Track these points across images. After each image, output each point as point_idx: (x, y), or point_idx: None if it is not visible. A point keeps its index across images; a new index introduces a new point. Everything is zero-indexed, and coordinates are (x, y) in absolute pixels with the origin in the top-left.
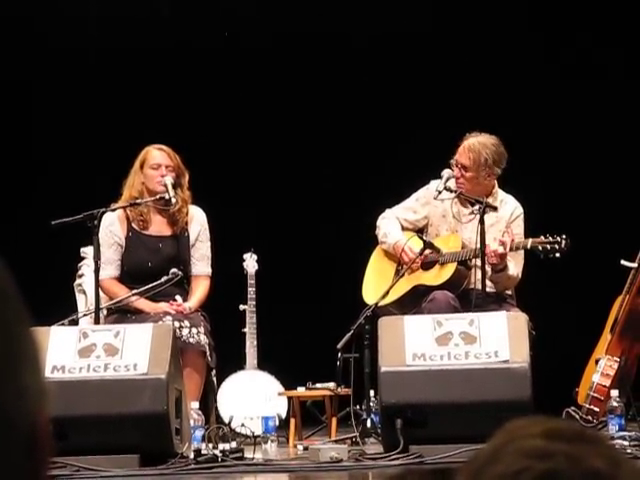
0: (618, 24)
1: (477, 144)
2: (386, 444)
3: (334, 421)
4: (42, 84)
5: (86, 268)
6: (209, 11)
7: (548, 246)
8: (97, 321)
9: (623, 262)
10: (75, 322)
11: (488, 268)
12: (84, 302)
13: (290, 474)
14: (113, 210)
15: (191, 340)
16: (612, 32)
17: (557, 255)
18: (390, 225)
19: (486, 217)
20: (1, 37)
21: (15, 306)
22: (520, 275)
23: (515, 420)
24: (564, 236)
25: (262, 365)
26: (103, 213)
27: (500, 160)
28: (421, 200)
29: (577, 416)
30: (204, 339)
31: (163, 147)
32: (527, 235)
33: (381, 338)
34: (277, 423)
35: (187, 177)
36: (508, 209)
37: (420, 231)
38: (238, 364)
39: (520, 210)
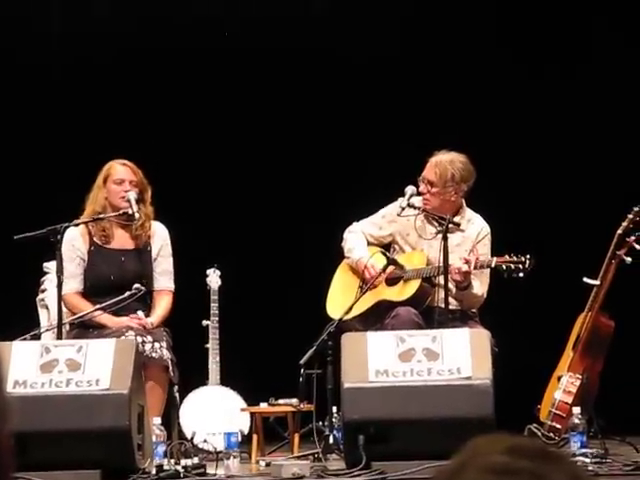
0: (581, 45)
1: (444, 160)
2: (348, 460)
3: (296, 437)
4: (3, 96)
5: (49, 283)
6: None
7: (512, 265)
8: (60, 336)
9: (585, 279)
10: (37, 337)
11: (452, 285)
12: (47, 317)
13: None
14: (76, 225)
15: (154, 355)
16: (576, 53)
17: (520, 275)
18: (355, 241)
19: (452, 237)
20: None
21: None
22: (485, 295)
23: (479, 437)
24: (528, 256)
25: (225, 381)
26: (66, 228)
27: (467, 177)
28: (387, 217)
29: (539, 433)
30: (167, 354)
31: (126, 162)
32: (492, 253)
33: (344, 354)
34: (239, 439)
35: (150, 192)
36: (474, 229)
37: (386, 247)
38: (201, 380)
39: (487, 230)
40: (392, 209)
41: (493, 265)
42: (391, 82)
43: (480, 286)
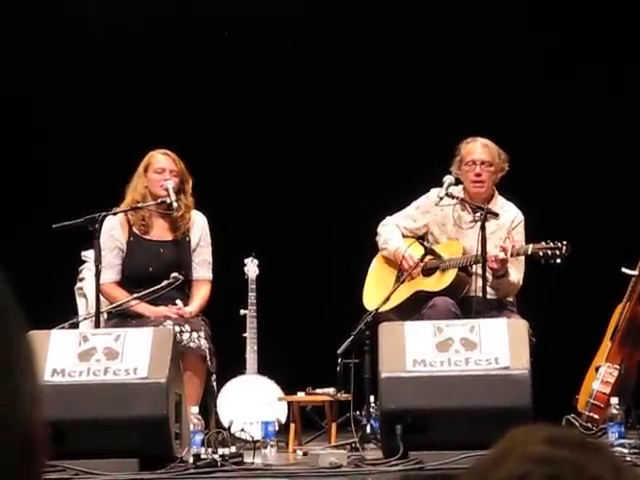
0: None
1: (487, 141)
2: (386, 450)
3: (334, 426)
4: (43, 87)
5: (87, 272)
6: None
7: (549, 252)
8: (97, 325)
9: (624, 270)
10: (75, 325)
11: (489, 274)
12: (84, 306)
13: (289, 479)
14: (114, 214)
15: (191, 344)
16: (612, 37)
17: (558, 261)
18: (390, 232)
19: (487, 225)
20: (0, 38)
21: (12, 312)
22: (521, 281)
23: (517, 427)
24: (565, 242)
25: (262, 370)
26: (104, 217)
27: (506, 157)
28: (421, 208)
29: (577, 423)
30: (204, 344)
31: (168, 152)
32: (528, 242)
33: (381, 344)
34: (277, 428)
35: (191, 183)
36: (509, 216)
37: (421, 238)
38: (238, 369)
39: (521, 217)
40: (425, 201)
41: (530, 252)
42: (414, 76)
43: (516, 273)
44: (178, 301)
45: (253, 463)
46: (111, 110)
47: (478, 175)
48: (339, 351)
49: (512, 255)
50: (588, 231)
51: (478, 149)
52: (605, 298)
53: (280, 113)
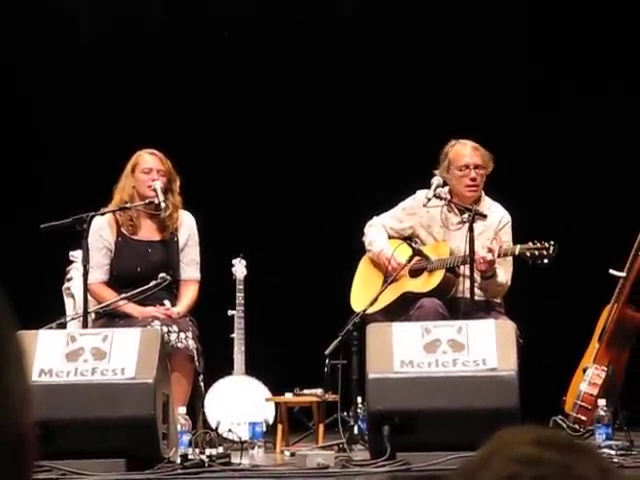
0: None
1: (474, 143)
2: (373, 451)
3: (321, 427)
4: (30, 87)
5: (75, 272)
6: (202, 16)
7: (536, 252)
8: (85, 325)
9: (611, 271)
10: (63, 326)
11: (477, 275)
12: (72, 306)
13: None
14: (102, 214)
15: (179, 345)
16: (604, 40)
17: (545, 261)
18: (376, 233)
19: (475, 226)
20: None
21: (2, 312)
22: (509, 282)
23: (505, 428)
24: (552, 242)
25: (250, 371)
26: (92, 217)
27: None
28: (407, 210)
29: (564, 425)
30: (192, 344)
31: (155, 152)
32: (515, 242)
33: (369, 345)
34: (264, 429)
35: (178, 183)
36: (496, 217)
37: (408, 239)
38: (226, 369)
39: (508, 218)
40: (411, 202)
41: (517, 252)
42: (402, 79)
43: (504, 274)
44: (166, 301)
45: (240, 464)
46: (98, 109)
47: (473, 180)
48: (327, 352)
49: (499, 256)
50: (576, 232)
51: (470, 153)
52: (593, 299)
53: (268, 114)
